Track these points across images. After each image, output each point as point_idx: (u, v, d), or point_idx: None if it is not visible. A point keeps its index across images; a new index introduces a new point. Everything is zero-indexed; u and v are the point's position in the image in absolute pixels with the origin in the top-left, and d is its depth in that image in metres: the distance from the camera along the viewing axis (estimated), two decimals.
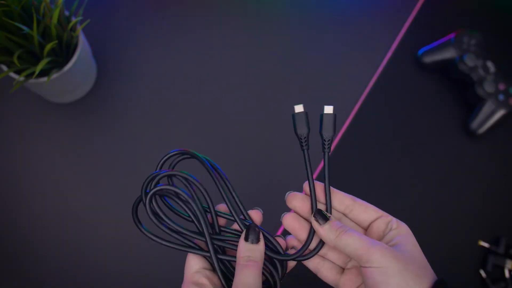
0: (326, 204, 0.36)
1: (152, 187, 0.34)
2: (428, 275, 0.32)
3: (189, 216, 0.35)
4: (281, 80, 0.63)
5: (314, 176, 0.56)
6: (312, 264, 0.37)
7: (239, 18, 0.65)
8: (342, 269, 0.37)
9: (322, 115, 0.36)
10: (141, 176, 0.57)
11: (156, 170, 0.36)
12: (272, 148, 0.60)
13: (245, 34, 0.65)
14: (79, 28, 0.51)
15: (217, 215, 0.35)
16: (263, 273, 0.34)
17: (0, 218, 0.56)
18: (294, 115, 0.36)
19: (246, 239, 0.34)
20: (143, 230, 0.35)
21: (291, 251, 0.37)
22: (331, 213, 0.36)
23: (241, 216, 0.36)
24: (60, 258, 0.55)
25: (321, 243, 0.35)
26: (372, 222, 0.35)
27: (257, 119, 0.61)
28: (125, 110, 0.60)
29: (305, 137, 0.36)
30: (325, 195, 0.36)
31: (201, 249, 0.35)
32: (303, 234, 0.36)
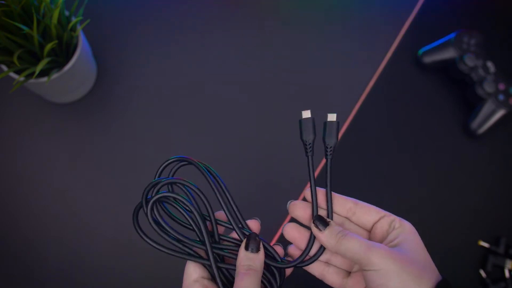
0: (327, 209, 0.35)
1: (153, 194, 0.34)
2: (430, 276, 0.31)
3: (190, 225, 0.35)
4: (281, 80, 0.63)
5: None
6: (317, 271, 0.36)
7: (239, 19, 0.65)
8: (348, 273, 0.36)
9: (325, 122, 0.36)
10: (140, 176, 0.57)
11: (155, 176, 0.35)
12: (272, 149, 0.60)
13: (245, 35, 0.65)
14: (79, 28, 0.51)
15: (217, 223, 0.35)
16: (262, 282, 0.34)
17: (0, 218, 0.56)
18: (301, 121, 0.36)
19: (247, 248, 0.34)
20: (144, 237, 0.34)
21: (288, 258, 0.36)
22: (332, 219, 0.35)
23: (240, 225, 0.35)
24: (60, 258, 0.55)
25: (322, 248, 0.35)
26: (375, 223, 0.35)
27: (257, 120, 0.61)
28: (125, 110, 0.60)
29: (310, 144, 0.36)
30: (326, 200, 0.35)
31: (200, 257, 0.34)
32: (304, 243, 0.36)
